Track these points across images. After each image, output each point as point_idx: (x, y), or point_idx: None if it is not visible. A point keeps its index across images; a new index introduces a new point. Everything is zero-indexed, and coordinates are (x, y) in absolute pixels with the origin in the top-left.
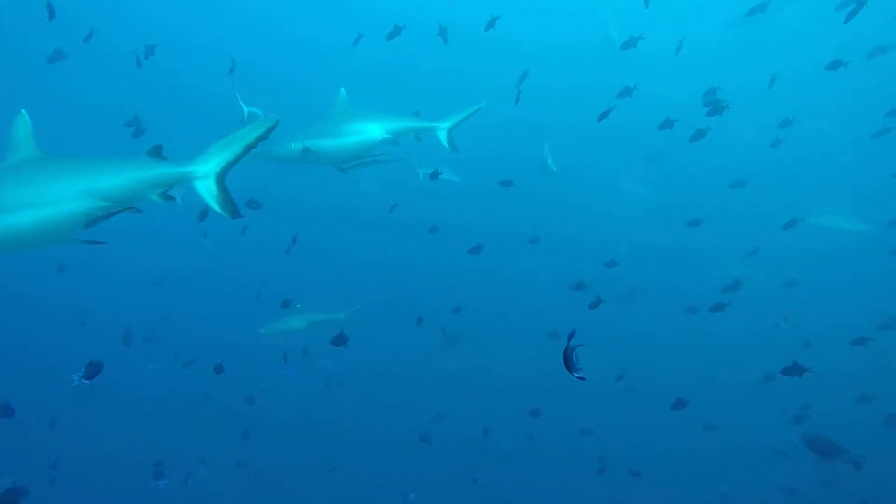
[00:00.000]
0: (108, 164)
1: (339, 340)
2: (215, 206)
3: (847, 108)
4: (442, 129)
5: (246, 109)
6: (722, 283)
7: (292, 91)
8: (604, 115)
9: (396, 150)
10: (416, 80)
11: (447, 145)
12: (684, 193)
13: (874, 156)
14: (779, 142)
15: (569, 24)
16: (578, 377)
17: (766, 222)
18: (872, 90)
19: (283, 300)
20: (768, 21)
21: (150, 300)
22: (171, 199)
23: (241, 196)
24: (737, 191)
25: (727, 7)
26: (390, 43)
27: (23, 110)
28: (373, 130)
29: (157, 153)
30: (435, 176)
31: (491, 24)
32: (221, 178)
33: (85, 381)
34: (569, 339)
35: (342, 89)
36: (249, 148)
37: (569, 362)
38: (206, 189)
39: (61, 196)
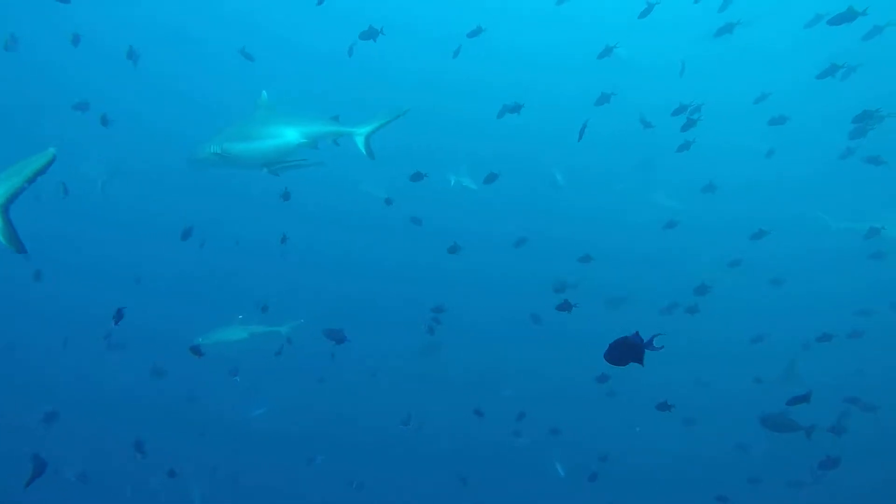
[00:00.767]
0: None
1: (337, 337)
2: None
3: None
4: (359, 134)
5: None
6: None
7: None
8: (581, 133)
9: (318, 154)
10: (410, 84)
11: (364, 151)
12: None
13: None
14: (772, 152)
15: (564, 32)
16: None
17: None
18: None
19: (263, 305)
20: (749, 36)
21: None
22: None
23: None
24: (712, 196)
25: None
26: (383, 47)
27: (264, 91)
28: (289, 135)
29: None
30: (460, 184)
31: (475, 33)
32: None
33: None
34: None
35: (263, 92)
36: (29, 181)
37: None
38: None
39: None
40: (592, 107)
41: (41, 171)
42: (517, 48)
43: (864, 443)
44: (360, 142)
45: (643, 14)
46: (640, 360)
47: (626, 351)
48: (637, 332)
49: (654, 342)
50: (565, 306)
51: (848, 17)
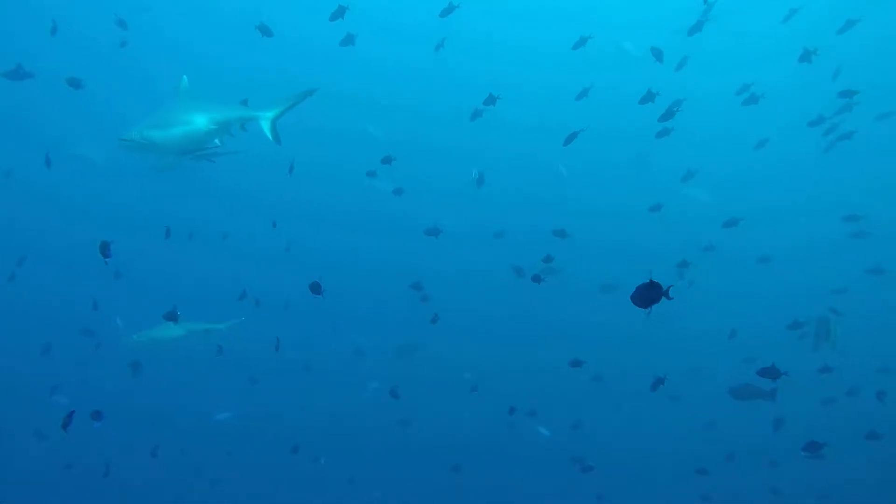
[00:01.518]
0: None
1: (315, 288)
2: None
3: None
4: (265, 118)
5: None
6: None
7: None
8: (569, 140)
9: (233, 142)
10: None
11: (270, 136)
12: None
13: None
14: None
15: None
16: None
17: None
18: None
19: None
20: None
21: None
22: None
23: None
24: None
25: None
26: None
27: (185, 77)
28: (199, 121)
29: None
30: (481, 181)
31: (448, 11)
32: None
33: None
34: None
35: (184, 77)
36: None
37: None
38: None
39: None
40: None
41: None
42: (519, 43)
43: None
44: (265, 126)
45: None
46: (664, 296)
47: (650, 293)
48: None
49: (668, 292)
50: (539, 277)
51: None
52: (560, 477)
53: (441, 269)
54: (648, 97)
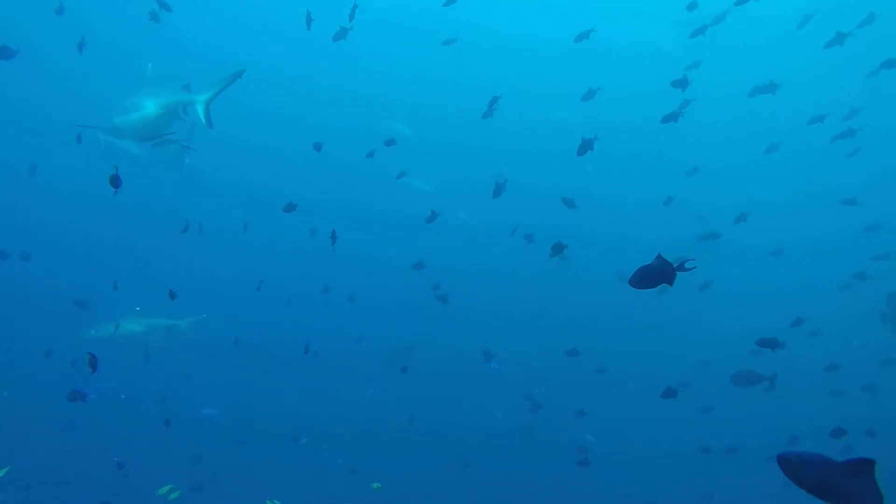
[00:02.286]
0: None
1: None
2: None
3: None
4: (199, 102)
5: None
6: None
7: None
8: (583, 150)
9: (183, 128)
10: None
11: (203, 120)
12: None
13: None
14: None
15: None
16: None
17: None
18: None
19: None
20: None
21: None
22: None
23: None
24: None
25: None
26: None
27: (150, 64)
28: (149, 106)
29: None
30: (500, 187)
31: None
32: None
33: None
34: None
35: (149, 64)
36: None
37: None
38: None
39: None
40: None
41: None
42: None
43: None
44: (200, 109)
45: None
46: (671, 281)
47: (654, 275)
48: (660, 255)
49: (685, 265)
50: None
51: None
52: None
53: (458, 264)
54: (681, 82)
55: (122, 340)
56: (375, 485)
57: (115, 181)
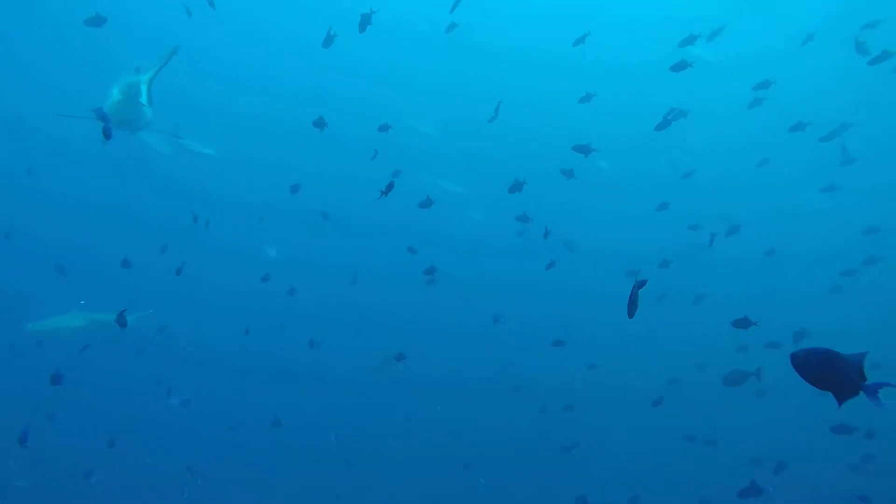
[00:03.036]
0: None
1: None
2: None
3: None
4: (143, 81)
5: None
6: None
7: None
8: (583, 150)
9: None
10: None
11: (144, 99)
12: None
13: None
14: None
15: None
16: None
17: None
18: None
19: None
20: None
21: None
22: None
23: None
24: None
25: None
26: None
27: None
28: (114, 93)
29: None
30: (517, 188)
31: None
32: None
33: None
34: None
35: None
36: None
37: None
38: None
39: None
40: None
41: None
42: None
43: None
44: (143, 89)
45: None
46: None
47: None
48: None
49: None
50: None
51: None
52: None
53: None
54: (681, 66)
55: (62, 335)
56: None
57: (107, 133)
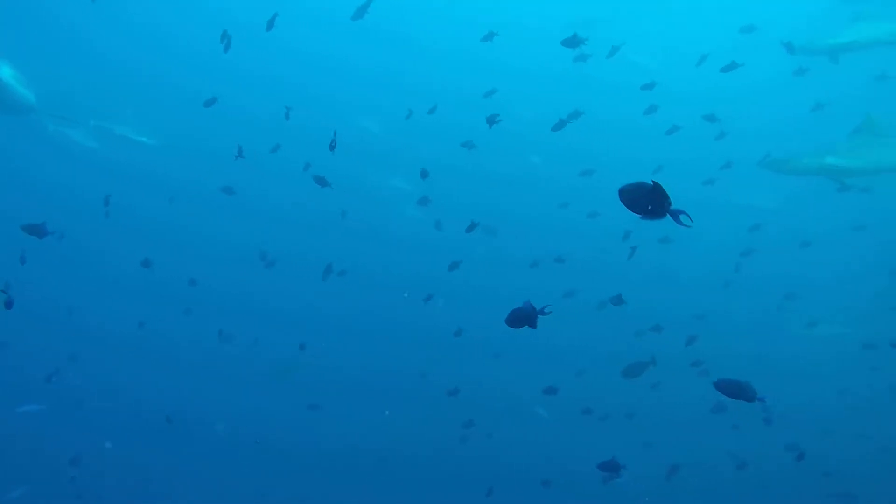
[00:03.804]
0: None
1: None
2: None
3: None
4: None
5: None
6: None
7: None
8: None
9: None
10: None
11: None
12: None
13: None
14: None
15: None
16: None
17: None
18: None
19: None
20: None
21: None
22: None
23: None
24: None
25: None
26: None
27: None
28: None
29: None
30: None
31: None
32: None
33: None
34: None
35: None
36: None
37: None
38: None
39: None
40: None
41: None
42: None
43: None
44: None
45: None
46: (533, 325)
47: (522, 317)
48: (529, 301)
49: (544, 309)
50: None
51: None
52: None
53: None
54: (573, 41)
55: None
56: None
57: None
